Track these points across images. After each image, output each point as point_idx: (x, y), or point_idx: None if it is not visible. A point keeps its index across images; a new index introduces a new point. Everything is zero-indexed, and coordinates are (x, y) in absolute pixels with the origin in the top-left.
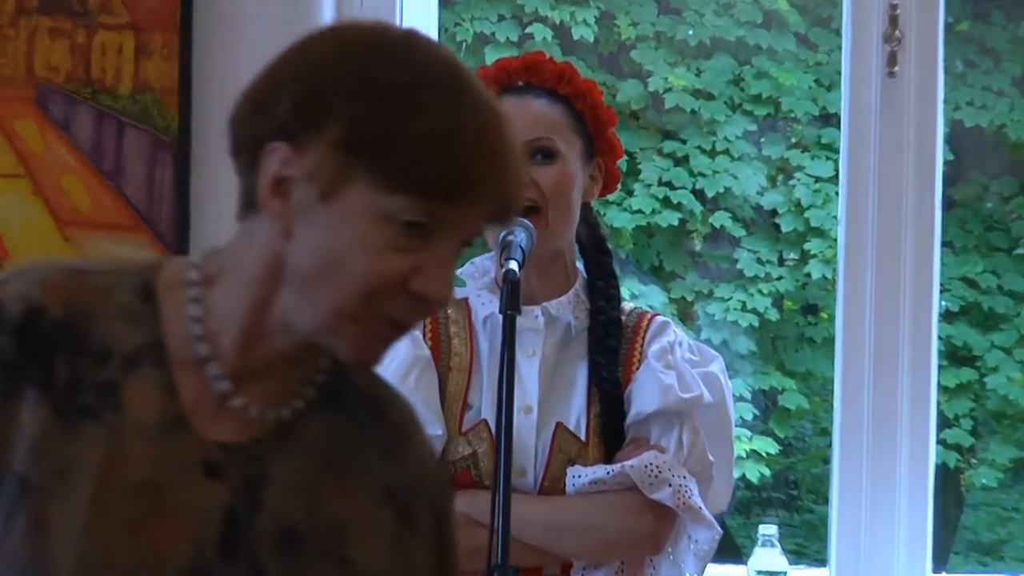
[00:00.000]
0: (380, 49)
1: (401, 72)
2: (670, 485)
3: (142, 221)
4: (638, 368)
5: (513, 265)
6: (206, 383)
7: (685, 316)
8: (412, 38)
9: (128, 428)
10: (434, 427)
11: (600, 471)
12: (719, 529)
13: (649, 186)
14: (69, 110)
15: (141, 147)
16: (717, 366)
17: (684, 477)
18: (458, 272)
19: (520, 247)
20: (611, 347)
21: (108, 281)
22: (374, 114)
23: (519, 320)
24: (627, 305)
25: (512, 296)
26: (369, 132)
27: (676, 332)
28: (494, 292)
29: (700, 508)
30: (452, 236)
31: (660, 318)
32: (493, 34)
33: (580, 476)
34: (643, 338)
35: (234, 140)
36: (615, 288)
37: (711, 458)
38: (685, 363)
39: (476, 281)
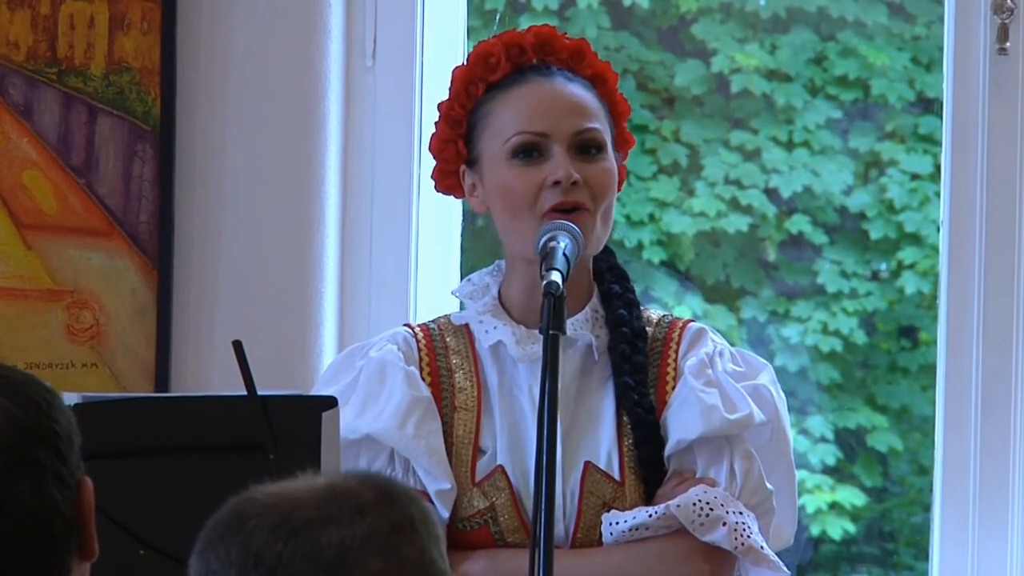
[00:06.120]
0: None
1: None
2: (724, 524)
3: (117, 225)
4: (673, 387)
5: (556, 277)
6: None
7: (758, 341)
8: None
9: None
10: (440, 481)
11: (641, 515)
12: (786, 570)
13: (713, 185)
14: (31, 94)
15: (116, 138)
16: (767, 377)
17: (740, 513)
18: (453, 292)
19: (565, 256)
20: (639, 364)
21: None
22: None
23: (528, 350)
24: (655, 313)
25: (556, 313)
26: None
27: (715, 340)
28: (498, 315)
29: (762, 548)
30: None
31: (695, 324)
32: (529, 1)
33: (618, 522)
34: (676, 351)
35: None
36: (632, 292)
37: (769, 487)
38: (728, 377)
39: (476, 302)
